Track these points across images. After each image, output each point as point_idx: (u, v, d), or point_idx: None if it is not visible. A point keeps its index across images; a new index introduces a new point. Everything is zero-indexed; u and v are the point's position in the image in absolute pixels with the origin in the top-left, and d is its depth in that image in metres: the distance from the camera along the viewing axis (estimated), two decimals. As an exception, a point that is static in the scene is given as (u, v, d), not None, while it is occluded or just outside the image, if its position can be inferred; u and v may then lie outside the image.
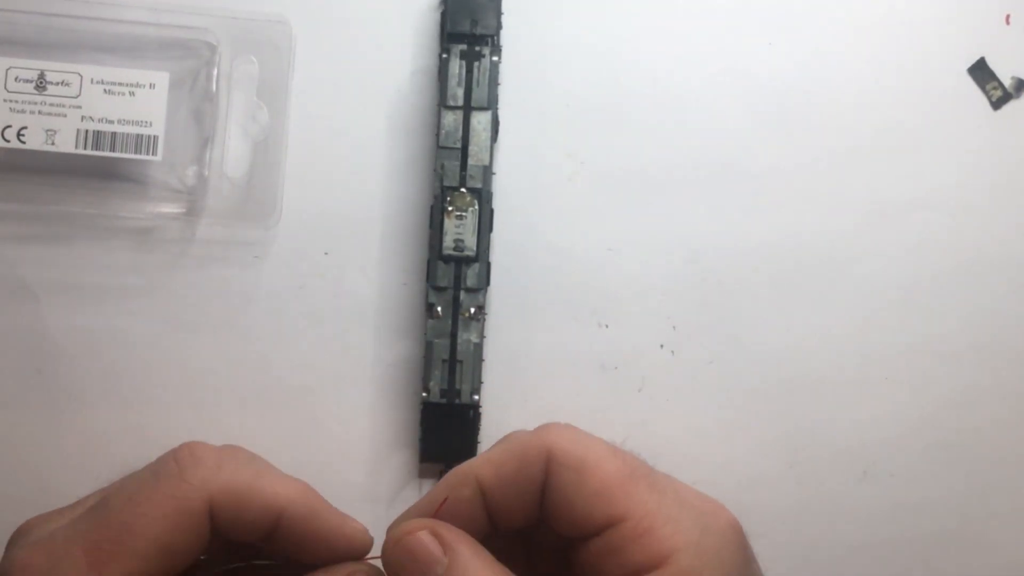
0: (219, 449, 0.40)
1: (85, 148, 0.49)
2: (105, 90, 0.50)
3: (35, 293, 0.50)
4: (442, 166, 0.49)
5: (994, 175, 0.54)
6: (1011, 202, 0.54)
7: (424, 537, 0.37)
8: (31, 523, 0.40)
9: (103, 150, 0.49)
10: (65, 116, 0.49)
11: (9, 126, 0.49)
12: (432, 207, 0.50)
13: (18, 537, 0.39)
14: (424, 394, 0.49)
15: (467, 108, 0.50)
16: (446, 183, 0.49)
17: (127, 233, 0.51)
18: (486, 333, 0.50)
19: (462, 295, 0.49)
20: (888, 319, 0.53)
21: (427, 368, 0.49)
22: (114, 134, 0.49)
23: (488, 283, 0.50)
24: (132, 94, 0.50)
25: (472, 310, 0.49)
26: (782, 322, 0.53)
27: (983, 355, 0.53)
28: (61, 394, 0.50)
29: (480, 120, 0.50)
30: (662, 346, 0.52)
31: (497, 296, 0.51)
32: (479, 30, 0.50)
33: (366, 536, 0.41)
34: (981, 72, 0.54)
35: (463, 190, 0.49)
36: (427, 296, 0.49)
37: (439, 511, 0.38)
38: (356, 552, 0.41)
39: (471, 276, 0.49)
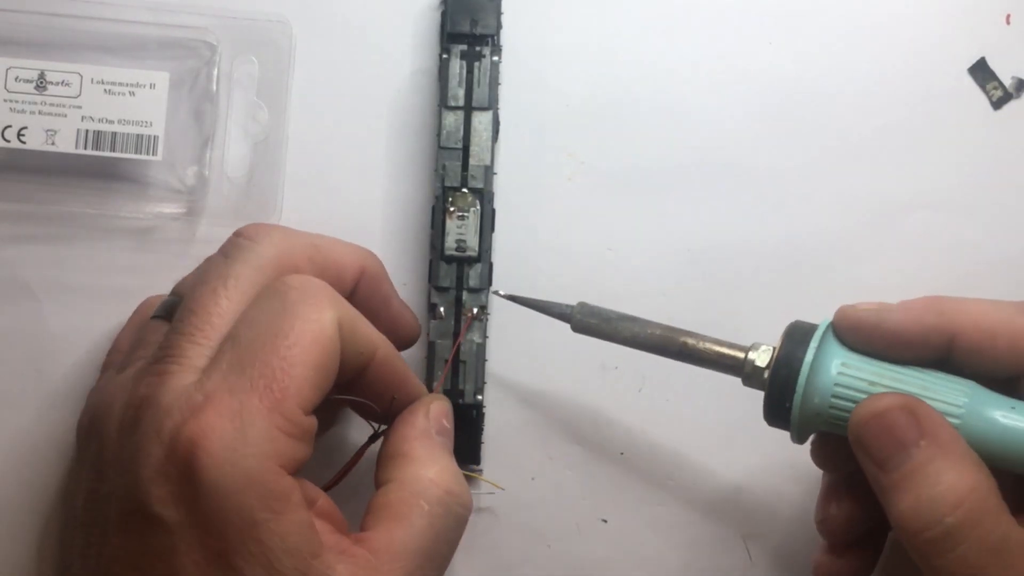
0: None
1: (85, 148, 0.50)
2: (105, 90, 0.50)
3: (35, 293, 0.51)
4: (443, 166, 0.50)
5: (994, 175, 0.55)
6: (1011, 202, 0.55)
7: (901, 417, 0.40)
8: (160, 382, 0.40)
9: (103, 150, 0.50)
10: (65, 116, 0.50)
11: (9, 126, 0.50)
12: (433, 207, 0.50)
13: (154, 397, 0.39)
14: (426, 394, 0.49)
15: (468, 108, 0.51)
16: (447, 183, 0.50)
17: (127, 233, 0.52)
18: (488, 332, 0.51)
19: (464, 295, 0.50)
20: (888, 319, 0.54)
21: (430, 368, 0.50)
22: (114, 134, 0.50)
23: (490, 283, 0.50)
24: (132, 94, 0.50)
25: (475, 310, 0.50)
26: (782, 322, 0.53)
27: (983, 355, 0.54)
28: (61, 394, 0.51)
29: (481, 120, 0.51)
30: (662, 346, 0.53)
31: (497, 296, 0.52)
32: (479, 30, 0.51)
33: (421, 387, 0.47)
34: (981, 72, 0.55)
35: (464, 190, 0.50)
36: (429, 296, 0.50)
37: None
38: (421, 394, 0.47)
39: (473, 276, 0.50)
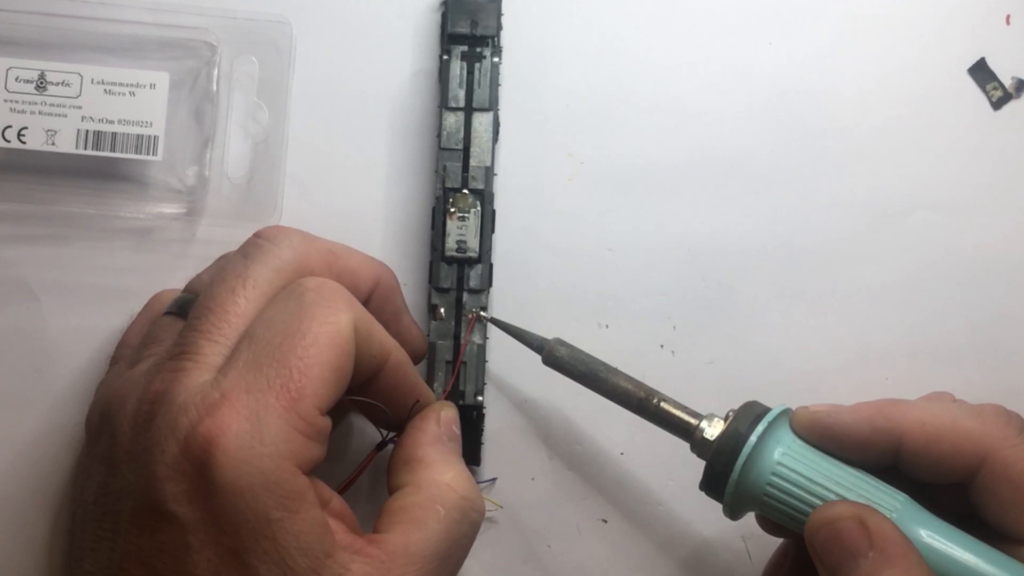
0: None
1: (85, 148, 0.51)
2: (105, 90, 0.51)
3: (35, 293, 0.52)
4: (444, 167, 0.51)
5: (994, 175, 0.56)
6: (1011, 202, 0.56)
7: (851, 527, 0.41)
8: (175, 378, 0.40)
9: (103, 150, 0.51)
10: (65, 116, 0.51)
11: (9, 126, 0.51)
12: (434, 208, 0.51)
13: (169, 393, 0.40)
14: (427, 395, 0.50)
15: (468, 109, 0.51)
16: (448, 184, 0.51)
17: (127, 233, 0.52)
18: (488, 334, 0.52)
19: (465, 296, 0.51)
20: (888, 319, 0.55)
21: (430, 369, 0.51)
22: (114, 134, 0.51)
23: (491, 284, 0.51)
24: (132, 94, 0.51)
25: (475, 311, 0.51)
26: (782, 322, 0.54)
27: (983, 355, 0.55)
28: (61, 394, 0.51)
29: (481, 121, 0.51)
30: (662, 346, 0.54)
31: (497, 297, 0.53)
32: (479, 31, 0.52)
33: (431, 394, 0.48)
34: (981, 72, 0.56)
35: (465, 191, 0.51)
36: (430, 297, 0.51)
37: None
38: (430, 400, 0.48)
39: (474, 277, 0.51)
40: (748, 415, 0.45)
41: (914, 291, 0.55)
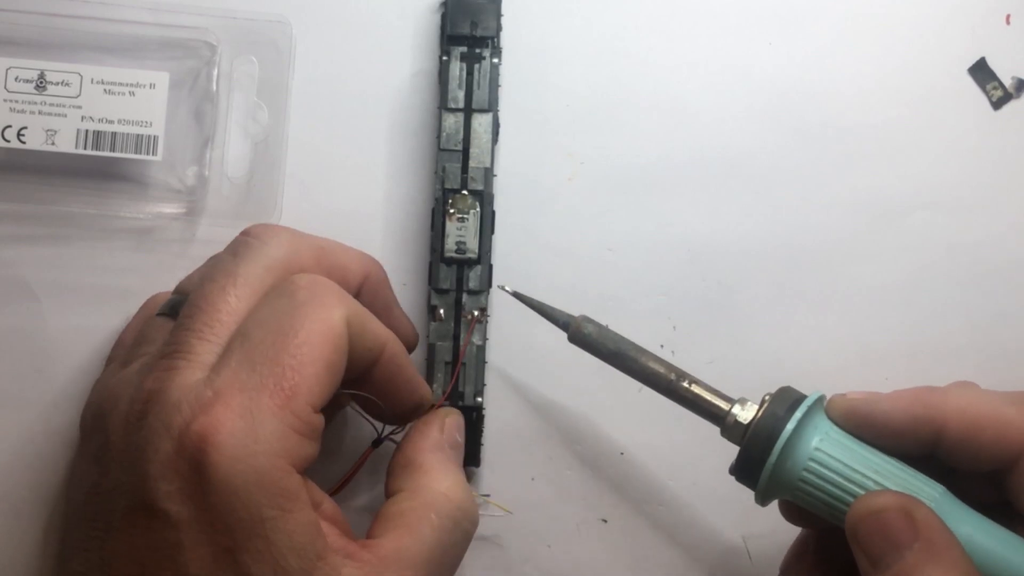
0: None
1: (85, 148, 0.51)
2: (105, 90, 0.51)
3: (35, 293, 0.52)
4: (443, 168, 0.51)
5: (994, 175, 0.56)
6: (1011, 202, 0.56)
7: (897, 518, 0.41)
8: (167, 377, 0.40)
9: (103, 150, 0.51)
10: (65, 116, 0.51)
11: (9, 126, 0.51)
12: (433, 209, 0.52)
13: (162, 392, 0.40)
14: (427, 396, 0.50)
15: (468, 110, 0.52)
16: (447, 185, 0.51)
17: (127, 233, 0.53)
18: (488, 334, 0.52)
19: (464, 297, 0.51)
20: (888, 319, 0.55)
21: (430, 370, 0.51)
22: (114, 134, 0.51)
23: (490, 285, 0.52)
24: (132, 94, 0.51)
25: (476, 312, 0.51)
26: (782, 322, 0.54)
27: (983, 355, 0.55)
28: (61, 394, 0.52)
29: (481, 122, 0.52)
30: (662, 346, 0.54)
31: (497, 297, 0.53)
32: (479, 32, 0.52)
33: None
34: (981, 72, 0.56)
35: (464, 192, 0.51)
36: (429, 298, 0.51)
37: None
38: (425, 406, 0.48)
39: (473, 278, 0.51)
40: (784, 400, 0.45)
41: (914, 291, 0.55)
